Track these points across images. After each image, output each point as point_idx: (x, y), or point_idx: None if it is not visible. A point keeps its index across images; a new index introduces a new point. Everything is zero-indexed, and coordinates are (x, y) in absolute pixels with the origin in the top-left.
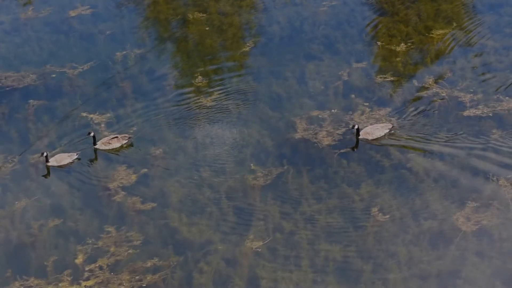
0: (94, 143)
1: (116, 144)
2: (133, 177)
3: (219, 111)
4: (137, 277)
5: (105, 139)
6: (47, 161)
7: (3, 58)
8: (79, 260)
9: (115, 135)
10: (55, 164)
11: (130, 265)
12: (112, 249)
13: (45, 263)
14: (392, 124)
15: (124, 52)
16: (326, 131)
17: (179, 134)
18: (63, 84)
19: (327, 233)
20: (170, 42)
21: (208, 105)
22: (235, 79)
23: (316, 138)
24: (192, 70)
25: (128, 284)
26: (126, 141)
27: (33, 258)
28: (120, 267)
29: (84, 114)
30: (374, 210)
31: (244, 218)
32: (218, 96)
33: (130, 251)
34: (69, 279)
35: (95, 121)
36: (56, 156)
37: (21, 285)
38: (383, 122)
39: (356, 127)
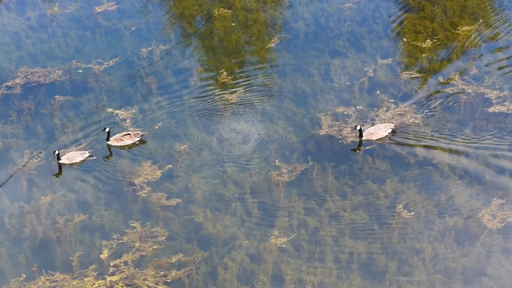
0: (108, 139)
1: (128, 141)
2: (158, 173)
3: (244, 107)
4: (161, 273)
5: (117, 136)
6: (58, 159)
7: (29, 54)
8: (104, 255)
9: (128, 132)
10: (67, 162)
11: (155, 261)
12: (137, 244)
13: (70, 258)
14: (394, 123)
15: (150, 48)
16: (351, 127)
17: (204, 130)
18: (89, 80)
19: (352, 229)
20: (195, 38)
21: (233, 101)
22: (260, 75)
23: (340, 135)
24: (217, 66)
25: (153, 279)
26: (139, 138)
27: (59, 253)
28: (145, 262)
29: (110, 110)
30: (399, 206)
31: (269, 214)
32: (243, 92)
33: (155, 246)
34: (94, 274)
35: (121, 117)
36: (68, 154)
37: (47, 279)
38: (387, 122)
39: (358, 127)
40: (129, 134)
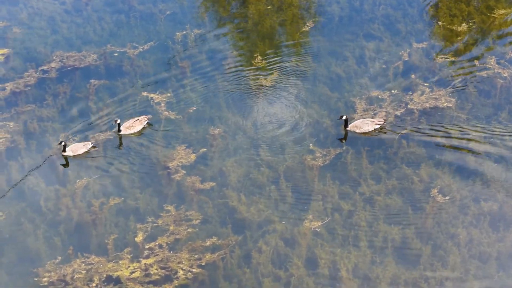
0: (119, 130)
1: (139, 127)
2: (192, 157)
3: (278, 91)
4: (196, 256)
5: (127, 124)
6: (63, 150)
7: (65, 38)
8: (139, 238)
9: (137, 118)
10: (71, 154)
11: (189, 244)
12: (171, 227)
13: (105, 241)
14: (385, 119)
15: (184, 32)
16: (386, 111)
17: (238, 114)
18: (124, 64)
19: (386, 214)
20: (230, 21)
21: (267, 85)
22: (294, 59)
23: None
24: (252, 50)
25: (187, 262)
26: (146, 121)
27: (94, 236)
28: (180, 245)
29: (144, 94)
30: (434, 191)
31: (303, 198)
32: (277, 76)
33: (189, 230)
34: (129, 257)
35: (155, 101)
36: (71, 146)
37: (82, 262)
38: (377, 117)
39: (344, 117)
40: (138, 119)
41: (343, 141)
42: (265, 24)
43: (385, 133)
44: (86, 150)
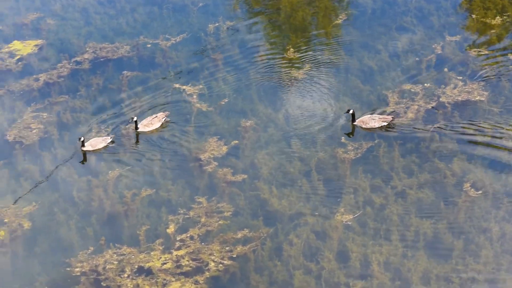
0: (136, 127)
1: (157, 124)
2: (224, 149)
3: (310, 83)
4: (227, 248)
5: (146, 121)
6: (82, 145)
7: (98, 29)
8: (170, 229)
9: (155, 115)
10: (90, 148)
11: (220, 236)
12: (203, 219)
13: (137, 232)
14: (393, 117)
15: (216, 24)
16: (418, 105)
17: (270, 106)
18: (156, 55)
19: (418, 207)
20: (262, 14)
21: (299, 77)
22: (327, 52)
23: (408, 112)
24: (284, 42)
25: (218, 254)
26: (164, 118)
27: (126, 227)
28: (211, 237)
29: (177, 86)
30: (466, 185)
31: (334, 191)
32: (309, 68)
33: (220, 222)
34: (160, 248)
35: (188, 93)
36: (90, 140)
37: (114, 253)
38: (385, 114)
39: (351, 111)
40: (156, 116)
41: (351, 135)
42: (298, 16)
43: (394, 131)
44: (105, 144)
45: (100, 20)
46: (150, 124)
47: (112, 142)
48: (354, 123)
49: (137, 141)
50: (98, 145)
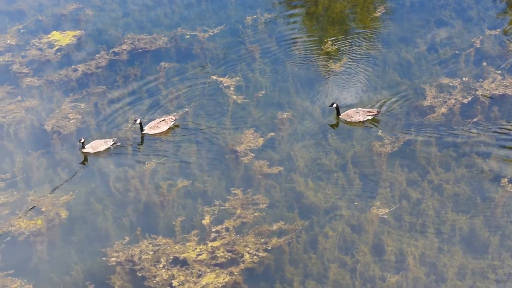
0: (142, 129)
1: (164, 127)
2: (260, 141)
3: (348, 76)
4: (262, 240)
5: (152, 123)
6: (83, 147)
7: (136, 20)
8: (206, 221)
9: (162, 118)
10: (91, 151)
11: (255, 228)
12: (238, 211)
13: (173, 222)
14: (379, 110)
15: (254, 16)
16: (455, 99)
17: (306, 99)
18: (194, 47)
19: (454, 202)
20: (300, 6)
21: (336, 70)
22: (364, 45)
23: (444, 106)
24: (321, 35)
25: (253, 246)
26: (173, 122)
27: (162, 218)
28: (246, 229)
29: (214, 77)
30: (504, 180)
31: (370, 185)
32: (347, 61)
33: (256, 214)
34: (196, 239)
35: (225, 84)
36: (92, 142)
37: (150, 243)
38: (370, 108)
39: (335, 105)
40: (164, 120)
41: (335, 128)
42: (335, 9)
43: (376, 125)
44: (107, 147)
45: (138, 11)
46: (156, 126)
47: (114, 144)
48: (339, 117)
49: (141, 143)
50: (99, 148)
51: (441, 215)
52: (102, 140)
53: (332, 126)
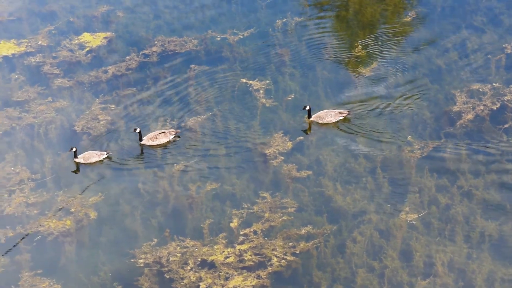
0: (140, 139)
1: (163, 139)
2: (289, 144)
3: (377, 80)
4: (290, 244)
5: (151, 135)
6: (75, 156)
7: (167, 23)
8: (234, 224)
9: (162, 130)
10: (82, 161)
11: (284, 232)
12: (266, 214)
13: (201, 225)
14: (349, 111)
15: (284, 19)
16: (484, 105)
17: (336, 103)
18: (224, 50)
19: (484, 208)
20: (330, 10)
21: (366, 74)
22: (395, 49)
23: (474, 112)
24: (351, 39)
25: (281, 250)
26: (173, 136)
27: (190, 220)
28: (274, 233)
29: (244, 80)
30: None
31: (399, 190)
32: (377, 65)
33: (284, 217)
34: (224, 242)
35: (254, 87)
36: (85, 153)
37: (178, 245)
38: (340, 109)
39: (307, 108)
40: (164, 132)
41: (308, 132)
42: (366, 13)
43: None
44: (99, 159)
45: (169, 13)
46: (154, 138)
47: (109, 157)
48: (311, 119)
49: (141, 153)
50: (91, 159)
51: (470, 221)
52: (95, 152)
53: (305, 131)
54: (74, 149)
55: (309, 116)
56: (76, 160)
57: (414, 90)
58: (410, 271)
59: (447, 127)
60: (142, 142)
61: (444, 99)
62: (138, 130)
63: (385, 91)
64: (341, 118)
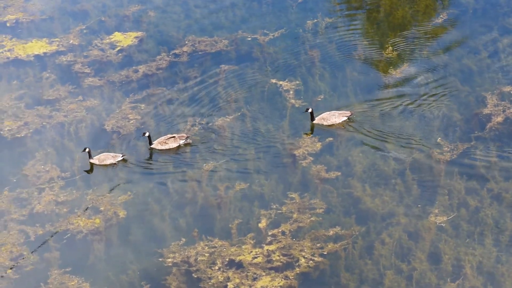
0: (150, 143)
1: (173, 144)
2: (318, 145)
3: (408, 82)
4: (318, 245)
5: (161, 139)
6: (90, 157)
7: (198, 23)
8: (262, 224)
9: (172, 135)
10: (97, 162)
11: (312, 233)
12: (295, 215)
13: (229, 225)
14: (352, 112)
15: (315, 20)
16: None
17: (366, 104)
18: (254, 50)
19: None
20: (361, 11)
21: (397, 76)
22: (425, 51)
23: (504, 114)
24: (382, 40)
25: (309, 251)
26: (184, 141)
27: (218, 220)
28: (302, 233)
29: (273, 81)
30: None
31: (428, 192)
32: (407, 67)
33: (312, 218)
34: (252, 242)
35: (284, 88)
36: (100, 154)
37: (206, 245)
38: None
39: (310, 110)
40: (174, 137)
41: (310, 134)
42: (397, 14)
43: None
44: (114, 162)
45: (200, 13)
46: (164, 143)
47: (124, 160)
48: (314, 122)
49: (150, 157)
50: (106, 161)
51: (500, 224)
52: (111, 154)
53: (307, 134)
54: (87, 149)
55: (312, 118)
56: (91, 161)
57: (444, 92)
58: (439, 274)
59: (477, 129)
60: (152, 146)
61: (475, 101)
62: (147, 134)
63: (415, 92)
64: (345, 118)
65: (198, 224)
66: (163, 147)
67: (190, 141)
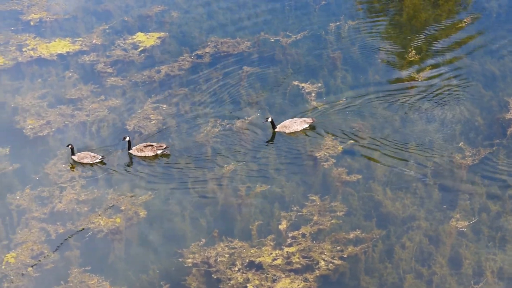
0: (129, 148)
1: (149, 153)
2: (340, 148)
3: (430, 86)
4: (338, 248)
5: (139, 146)
6: (72, 153)
7: (220, 24)
8: (282, 226)
9: (149, 144)
10: (76, 159)
11: (332, 235)
12: (315, 217)
13: (250, 226)
14: (313, 119)
15: (338, 23)
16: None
17: (387, 108)
18: (276, 52)
19: None
20: (384, 14)
21: (419, 80)
22: (449, 56)
23: None
24: (405, 44)
25: (329, 253)
26: (161, 151)
27: (238, 221)
28: (322, 236)
29: (295, 83)
30: None
31: (449, 197)
32: (430, 71)
33: (333, 221)
34: (272, 244)
35: (306, 90)
36: (82, 152)
37: (226, 246)
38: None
39: (270, 119)
40: (151, 145)
41: (271, 142)
42: (420, 18)
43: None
44: (91, 162)
45: (222, 15)
46: (140, 150)
47: (104, 164)
48: (276, 130)
49: (130, 163)
50: (84, 159)
51: None
52: (91, 154)
53: (268, 141)
54: (70, 146)
55: (274, 127)
56: (73, 157)
57: (466, 96)
58: (459, 279)
59: (499, 134)
60: (130, 151)
61: (498, 106)
62: (127, 139)
63: (437, 96)
64: (307, 126)
65: (218, 225)
66: (140, 154)
67: (168, 152)
